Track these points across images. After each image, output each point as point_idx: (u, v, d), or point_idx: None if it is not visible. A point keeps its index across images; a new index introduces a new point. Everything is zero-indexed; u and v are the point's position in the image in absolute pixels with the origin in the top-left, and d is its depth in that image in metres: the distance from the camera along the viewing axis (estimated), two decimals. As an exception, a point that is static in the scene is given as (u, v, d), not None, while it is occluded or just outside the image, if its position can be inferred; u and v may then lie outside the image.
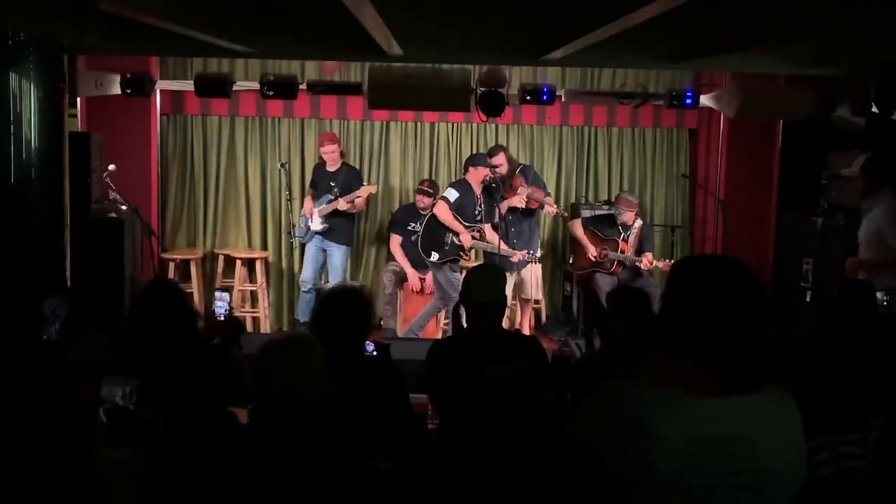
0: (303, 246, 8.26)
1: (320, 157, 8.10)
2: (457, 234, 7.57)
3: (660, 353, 2.00)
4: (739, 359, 1.92)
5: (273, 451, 2.50)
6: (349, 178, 7.98)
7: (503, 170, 7.82)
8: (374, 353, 4.26)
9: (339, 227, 7.98)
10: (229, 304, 5.44)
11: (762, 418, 1.92)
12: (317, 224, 7.92)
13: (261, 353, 2.69)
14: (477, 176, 7.69)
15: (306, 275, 8.04)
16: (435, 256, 7.58)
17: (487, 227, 7.82)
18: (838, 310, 3.77)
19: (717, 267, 2.03)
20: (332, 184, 7.91)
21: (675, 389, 1.91)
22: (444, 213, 7.57)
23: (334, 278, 7.97)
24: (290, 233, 8.10)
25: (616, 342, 3.92)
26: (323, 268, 8.17)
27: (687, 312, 1.96)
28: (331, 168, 7.99)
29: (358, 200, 7.87)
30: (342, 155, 8.07)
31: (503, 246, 7.55)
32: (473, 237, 7.64)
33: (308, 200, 8.04)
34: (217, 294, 5.56)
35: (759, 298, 1.97)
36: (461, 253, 7.65)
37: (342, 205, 7.78)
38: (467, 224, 7.63)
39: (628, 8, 3.30)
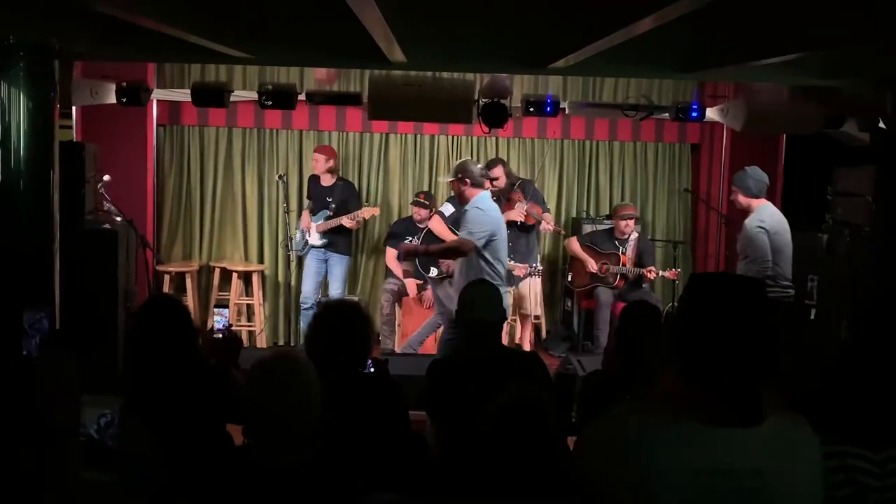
0: (300, 259, 8.15)
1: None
2: None
3: (666, 376, 1.87)
4: (753, 388, 1.80)
5: (267, 479, 2.37)
6: (346, 195, 7.93)
7: (501, 183, 7.71)
8: (372, 369, 4.14)
9: (339, 238, 7.94)
10: (228, 319, 5.34)
11: (773, 449, 1.80)
12: (315, 239, 7.87)
13: (250, 375, 2.55)
14: None
15: (307, 290, 7.94)
16: (434, 272, 7.47)
17: None
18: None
19: (738, 289, 1.89)
20: (329, 199, 7.85)
21: (681, 418, 1.79)
22: (439, 226, 7.46)
23: (335, 288, 7.93)
24: (287, 245, 7.99)
25: (628, 360, 3.79)
26: (323, 281, 8.08)
27: (701, 336, 1.83)
28: (326, 183, 7.93)
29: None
30: (331, 172, 7.96)
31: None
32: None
33: (305, 215, 7.97)
34: (216, 310, 5.46)
35: (778, 326, 1.84)
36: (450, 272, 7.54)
37: (347, 222, 7.71)
38: None
39: (634, 16, 3.20)
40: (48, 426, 2.10)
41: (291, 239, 8.00)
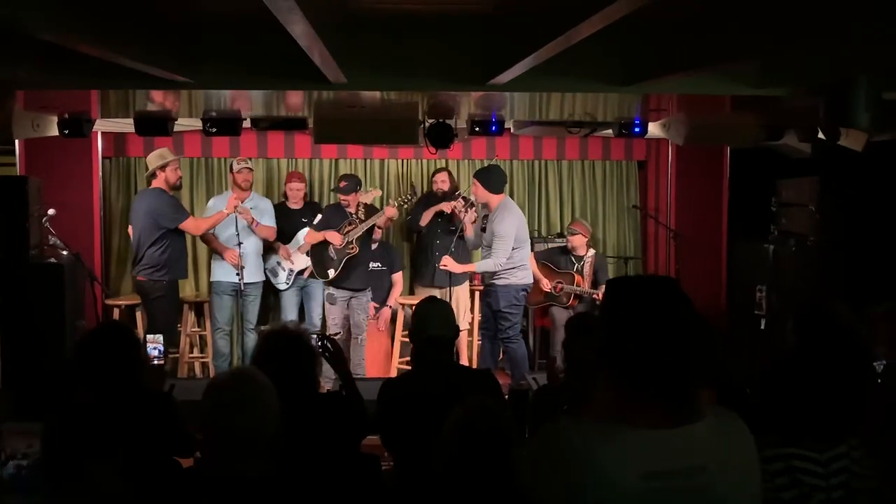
0: (267, 293, 8.04)
1: (281, 197, 8.11)
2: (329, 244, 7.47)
3: (601, 383, 1.86)
4: (679, 387, 1.79)
5: (222, 493, 2.36)
6: (327, 211, 7.89)
7: (445, 186, 8.01)
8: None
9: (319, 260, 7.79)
10: (163, 346, 5.19)
11: (711, 445, 1.80)
12: (302, 261, 7.76)
13: (208, 390, 2.58)
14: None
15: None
16: (331, 272, 7.49)
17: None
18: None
19: (651, 288, 1.90)
20: (304, 220, 7.84)
21: (618, 423, 1.78)
22: (310, 236, 7.58)
23: (317, 314, 7.90)
24: (238, 274, 7.82)
25: (573, 372, 3.81)
26: (301, 312, 8.00)
27: (623, 339, 1.82)
28: (296, 206, 7.94)
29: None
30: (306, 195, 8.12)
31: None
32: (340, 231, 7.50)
33: (280, 247, 7.81)
34: (150, 336, 5.32)
35: (694, 320, 1.83)
36: (348, 249, 7.44)
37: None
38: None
39: (572, 21, 3.22)
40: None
41: (279, 275, 7.88)
